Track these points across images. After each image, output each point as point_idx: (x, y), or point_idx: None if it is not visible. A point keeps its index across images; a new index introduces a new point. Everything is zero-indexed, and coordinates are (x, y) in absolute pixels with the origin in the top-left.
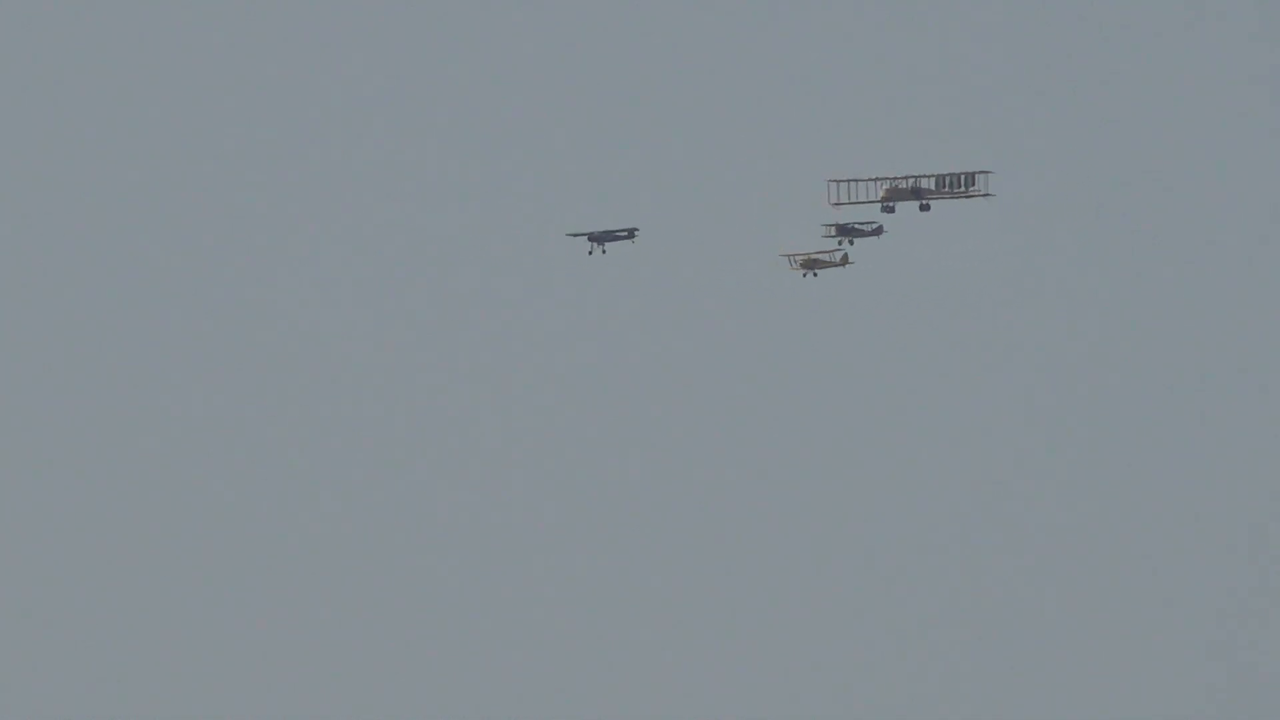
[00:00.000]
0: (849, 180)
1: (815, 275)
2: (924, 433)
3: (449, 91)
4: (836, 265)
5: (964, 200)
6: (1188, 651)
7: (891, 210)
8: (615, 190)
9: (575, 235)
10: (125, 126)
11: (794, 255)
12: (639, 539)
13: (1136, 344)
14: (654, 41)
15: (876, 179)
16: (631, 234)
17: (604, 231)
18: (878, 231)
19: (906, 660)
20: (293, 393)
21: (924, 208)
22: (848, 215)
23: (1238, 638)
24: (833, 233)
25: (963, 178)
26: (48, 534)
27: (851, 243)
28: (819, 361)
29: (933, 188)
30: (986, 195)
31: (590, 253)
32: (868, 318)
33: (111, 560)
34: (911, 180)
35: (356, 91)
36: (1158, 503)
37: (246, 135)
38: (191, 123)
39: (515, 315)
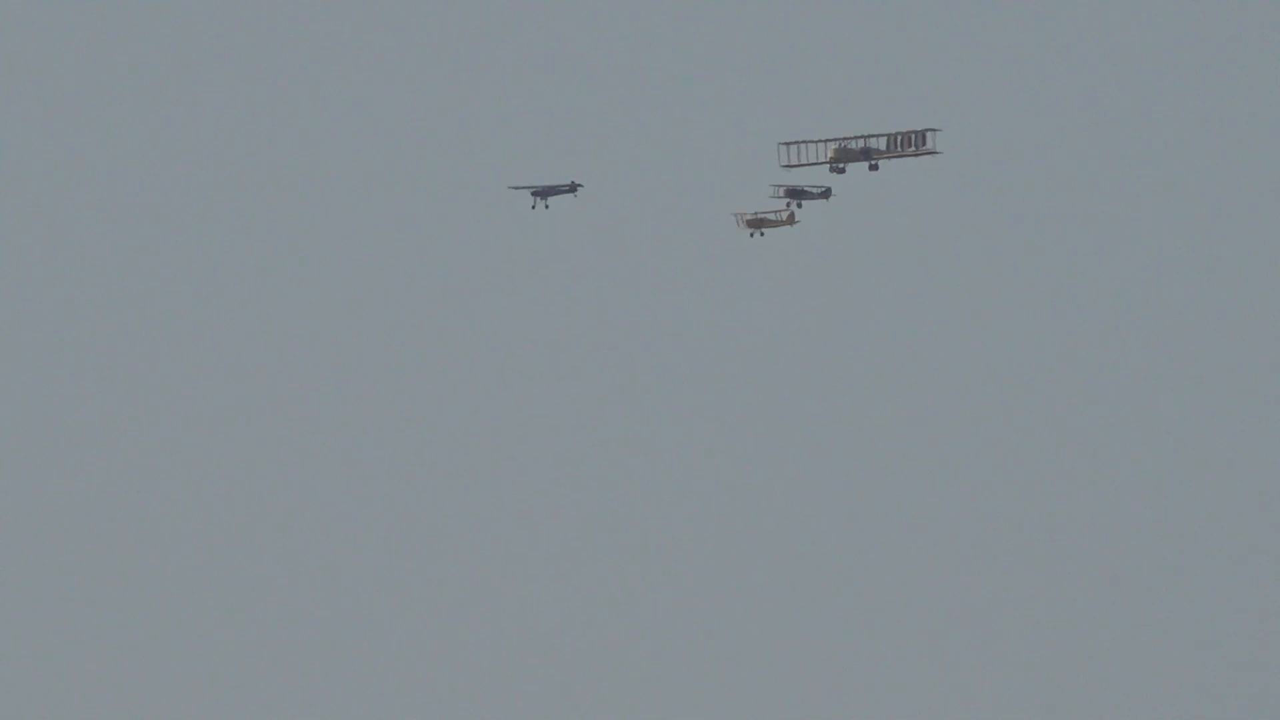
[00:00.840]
0: (799, 142)
1: (762, 234)
2: (867, 396)
3: (392, 46)
4: (784, 224)
5: (912, 159)
6: (1188, 651)
7: (842, 171)
8: (576, 150)
9: (518, 189)
10: (107, 124)
11: (740, 214)
12: (578, 502)
13: (1084, 303)
14: (608, 2)
15: (827, 140)
16: (574, 188)
17: (546, 186)
18: (826, 194)
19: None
20: (230, 352)
21: (873, 167)
22: (798, 178)
23: (1238, 637)
24: (782, 194)
25: (913, 136)
26: (47, 534)
27: (800, 205)
28: (763, 320)
29: (883, 147)
30: (933, 153)
31: (534, 207)
32: (814, 277)
33: (111, 560)
34: (861, 140)
35: (297, 53)
36: (1113, 473)
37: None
38: (140, 108)
39: (455, 267)
